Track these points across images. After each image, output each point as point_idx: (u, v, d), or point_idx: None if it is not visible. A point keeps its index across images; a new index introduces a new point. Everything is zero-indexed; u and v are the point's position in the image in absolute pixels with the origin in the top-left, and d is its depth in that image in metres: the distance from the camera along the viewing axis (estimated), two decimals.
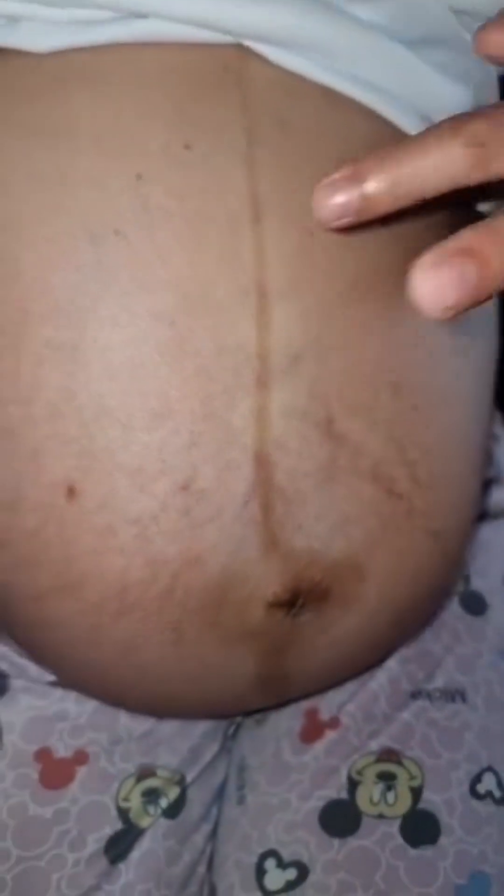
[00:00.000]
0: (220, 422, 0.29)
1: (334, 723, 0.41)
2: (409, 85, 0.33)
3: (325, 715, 0.41)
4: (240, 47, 0.31)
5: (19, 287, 0.29)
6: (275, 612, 0.31)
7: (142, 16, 0.30)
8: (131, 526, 0.29)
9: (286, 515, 0.30)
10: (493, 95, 0.38)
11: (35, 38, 0.31)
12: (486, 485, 0.46)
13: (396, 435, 0.31)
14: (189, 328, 0.28)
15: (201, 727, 0.41)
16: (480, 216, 0.38)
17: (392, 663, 0.41)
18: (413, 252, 0.32)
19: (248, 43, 0.31)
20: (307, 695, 0.40)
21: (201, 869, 0.40)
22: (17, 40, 0.31)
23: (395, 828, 0.37)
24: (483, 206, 0.38)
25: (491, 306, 0.38)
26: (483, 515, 0.46)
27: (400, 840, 0.37)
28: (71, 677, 0.36)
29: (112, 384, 0.28)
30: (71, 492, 0.29)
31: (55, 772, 0.38)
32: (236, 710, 0.40)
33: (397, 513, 0.32)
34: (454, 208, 0.36)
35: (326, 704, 0.41)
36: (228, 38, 0.30)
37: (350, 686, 0.41)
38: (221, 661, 0.32)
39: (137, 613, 0.30)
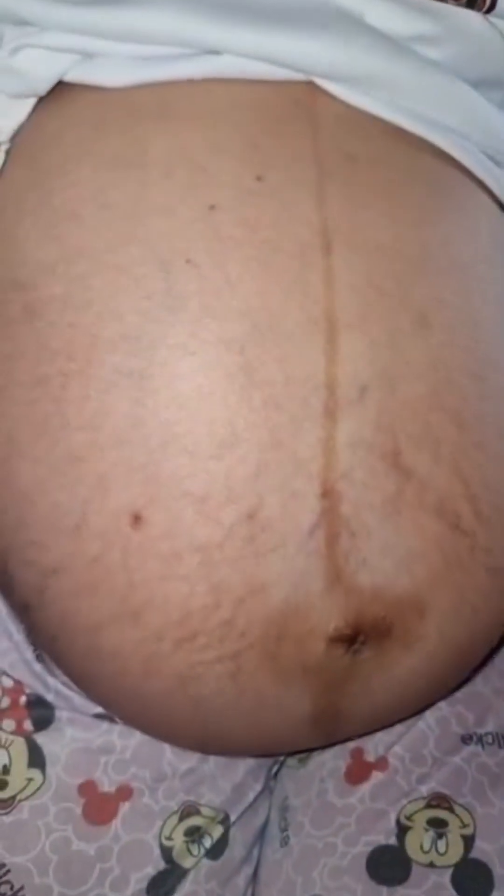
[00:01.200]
0: (287, 451, 0.28)
1: (381, 764, 0.40)
2: (472, 123, 0.34)
3: (371, 755, 0.40)
4: (309, 84, 0.31)
5: (90, 314, 0.29)
6: (335, 647, 0.31)
7: (214, 52, 0.31)
8: (196, 553, 0.29)
9: (351, 548, 0.29)
10: None
11: (109, 74, 0.31)
12: None
13: (462, 469, 0.31)
14: (258, 357, 0.28)
15: (245, 765, 0.40)
16: None
17: (441, 704, 0.40)
18: (478, 283, 0.32)
19: (317, 80, 0.31)
20: (356, 736, 0.39)
21: None
22: (91, 75, 0.32)
23: (446, 878, 0.36)
24: None
25: None
26: None
27: (452, 891, 0.36)
28: (121, 710, 0.35)
29: (180, 412, 0.28)
30: (136, 519, 0.29)
31: (99, 806, 0.37)
32: (284, 750, 0.40)
33: (460, 549, 0.31)
34: None
35: (372, 744, 0.40)
36: (299, 76, 0.31)
37: (397, 726, 0.40)
38: (278, 697, 0.32)
39: (198, 642, 0.30)
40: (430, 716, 0.40)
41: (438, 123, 0.33)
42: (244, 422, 0.28)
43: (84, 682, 0.35)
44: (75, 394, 0.29)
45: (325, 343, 0.29)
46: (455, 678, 0.37)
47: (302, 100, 0.31)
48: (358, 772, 0.40)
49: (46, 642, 0.34)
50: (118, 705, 0.35)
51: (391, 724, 0.39)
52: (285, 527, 0.29)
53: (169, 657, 0.30)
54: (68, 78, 0.32)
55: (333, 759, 0.41)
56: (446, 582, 0.31)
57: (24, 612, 0.34)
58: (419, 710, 0.39)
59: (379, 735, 0.40)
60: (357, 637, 0.31)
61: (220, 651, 0.30)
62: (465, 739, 0.40)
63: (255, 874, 0.41)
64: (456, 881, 0.36)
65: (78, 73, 0.32)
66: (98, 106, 0.32)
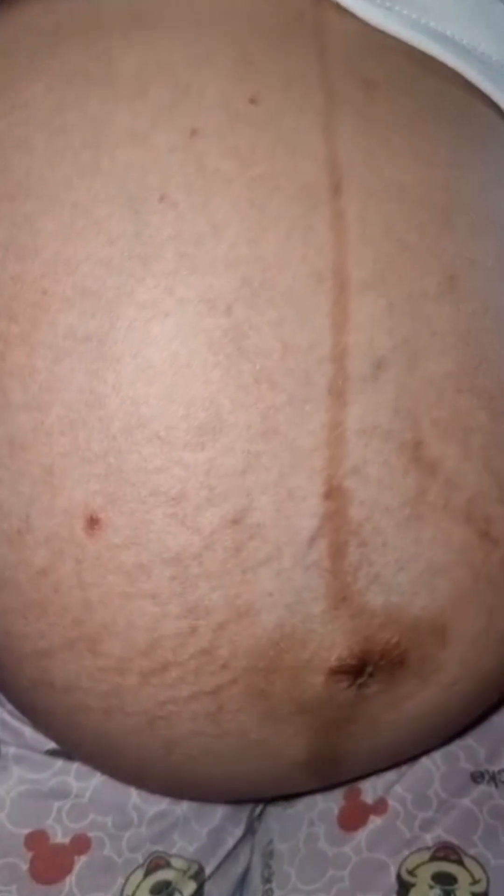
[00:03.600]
0: (284, 440, 0.25)
1: (381, 807, 0.36)
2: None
3: (369, 797, 0.36)
4: None
5: (38, 264, 0.25)
6: (337, 681, 0.27)
7: None
8: (167, 566, 0.25)
9: (361, 561, 0.26)
10: None
11: None
12: None
13: (494, 466, 0.27)
14: (248, 321, 0.24)
15: (223, 807, 0.37)
16: None
17: None
18: None
19: None
20: (356, 778, 0.36)
21: None
22: None
23: None
24: None
25: None
26: None
27: None
28: (80, 748, 0.31)
29: (149, 388, 0.24)
30: (93, 522, 0.25)
31: (50, 862, 0.33)
32: (271, 794, 0.36)
33: (490, 562, 0.28)
34: None
35: (371, 784, 0.37)
36: None
37: None
38: (266, 740, 0.28)
39: (170, 675, 0.26)
40: (435, 751, 0.37)
41: (472, 51, 0.29)
42: (230, 402, 0.24)
43: (35, 715, 0.31)
44: (19, 364, 0.25)
45: (333, 305, 0.25)
46: (475, 712, 0.34)
47: (308, 11, 0.28)
48: (353, 816, 0.36)
49: None
50: (76, 743, 0.31)
51: (398, 765, 0.36)
52: (279, 534, 0.25)
53: (134, 693, 0.26)
54: None
55: (325, 801, 0.37)
56: (473, 601, 0.28)
57: None
58: (430, 749, 0.35)
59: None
60: (364, 668, 0.27)
61: (197, 686, 0.26)
62: (476, 778, 0.36)
63: None
64: None
65: None
66: (57, 14, 0.28)
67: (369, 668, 0.27)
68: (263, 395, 0.24)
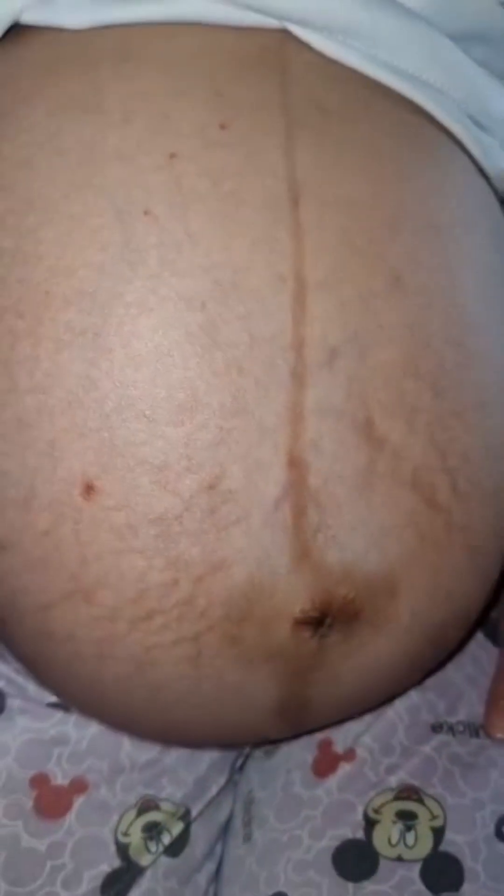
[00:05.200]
0: (252, 418, 0.27)
1: (350, 755, 0.38)
2: (454, 80, 0.32)
3: (339, 747, 0.39)
4: (281, 32, 0.30)
5: (41, 268, 0.27)
6: (301, 630, 0.29)
7: None
8: (153, 525, 0.27)
9: (319, 523, 0.28)
10: None
11: (68, 15, 0.30)
12: None
13: (438, 439, 0.29)
14: (221, 316, 0.27)
15: (208, 758, 0.39)
16: None
17: (411, 691, 0.39)
18: (456, 246, 0.31)
19: (289, 27, 0.30)
20: (324, 727, 0.38)
21: None
22: (48, 16, 0.30)
23: (415, 872, 0.35)
24: None
25: None
26: None
27: (420, 885, 0.34)
28: (76, 697, 0.33)
29: (136, 373, 0.27)
30: (89, 488, 0.27)
31: (51, 800, 0.35)
32: (249, 740, 0.38)
33: (436, 525, 0.30)
34: (494, 208, 0.35)
35: (342, 735, 0.39)
36: (270, 21, 0.29)
37: (367, 716, 0.39)
38: (241, 683, 0.30)
39: (155, 622, 0.28)
40: (399, 704, 0.39)
41: (418, 79, 0.31)
42: (205, 385, 0.27)
43: (37, 668, 0.33)
44: (24, 354, 0.27)
45: (293, 302, 0.27)
46: (428, 663, 0.36)
47: (271, 46, 0.29)
48: (325, 764, 0.38)
49: None
50: (73, 692, 0.33)
51: (361, 713, 0.38)
52: (249, 498, 0.27)
53: (124, 639, 0.29)
54: (24, 19, 0.30)
55: (300, 751, 0.39)
56: (420, 561, 0.30)
57: None
58: (390, 698, 0.37)
59: (347, 725, 0.39)
60: (324, 619, 0.29)
61: (179, 633, 0.28)
62: (436, 728, 0.38)
63: (218, 871, 0.39)
64: (425, 875, 0.35)
65: (34, 15, 0.30)
66: (54, 48, 0.30)
67: (329, 620, 0.29)
68: (234, 379, 0.26)
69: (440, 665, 0.38)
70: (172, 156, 0.27)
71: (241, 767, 0.42)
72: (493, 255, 0.33)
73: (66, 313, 0.27)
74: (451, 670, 0.40)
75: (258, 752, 0.41)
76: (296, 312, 0.27)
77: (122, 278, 0.27)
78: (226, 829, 0.40)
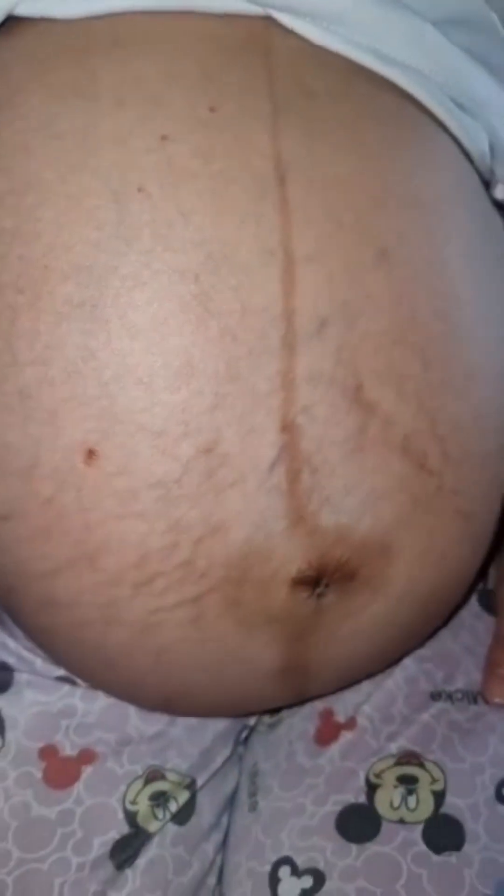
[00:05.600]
0: (246, 384, 0.28)
1: (350, 724, 0.39)
2: (436, 64, 0.33)
3: (340, 716, 0.40)
4: (265, 18, 0.31)
5: (40, 245, 0.28)
6: (298, 591, 0.30)
7: None
8: (153, 489, 0.28)
9: (313, 486, 0.29)
10: None
11: (61, 5, 0.31)
12: None
13: (427, 407, 0.30)
14: (213, 287, 0.28)
15: (213, 730, 0.40)
16: (497, 204, 0.38)
17: (409, 662, 0.40)
18: (440, 221, 0.32)
19: (274, 14, 0.31)
20: (327, 693, 0.39)
21: (211, 880, 0.39)
22: (42, 8, 0.31)
23: (416, 833, 0.36)
24: (499, 193, 0.39)
25: None
26: None
27: (422, 847, 0.35)
28: (82, 665, 0.34)
29: (133, 343, 0.28)
30: (90, 454, 0.28)
31: (60, 771, 0.36)
32: (253, 708, 0.39)
33: (427, 490, 0.31)
34: (477, 187, 0.36)
35: (342, 705, 0.40)
36: (256, 9, 0.31)
37: (366, 686, 0.40)
38: (242, 646, 0.31)
39: (157, 585, 0.29)
40: (398, 674, 0.40)
41: (401, 63, 0.32)
42: (200, 352, 0.28)
43: (43, 637, 0.34)
44: (25, 328, 0.28)
45: (282, 274, 0.28)
46: (423, 627, 0.37)
47: (258, 32, 0.31)
48: (327, 733, 0.39)
49: (3, 595, 0.33)
50: (78, 660, 0.34)
51: (360, 679, 0.39)
52: (244, 462, 0.28)
53: (128, 603, 0.29)
54: (19, 11, 0.31)
55: (303, 722, 0.40)
56: (413, 524, 0.31)
57: None
58: (388, 663, 0.38)
59: (348, 695, 0.40)
60: (321, 580, 0.30)
61: (181, 595, 0.29)
62: (435, 696, 0.39)
63: (225, 841, 0.40)
64: (427, 836, 0.36)
65: (28, 7, 0.31)
66: (48, 37, 0.31)
67: (325, 580, 0.30)
68: (227, 347, 0.27)
69: (436, 630, 0.39)
70: (164, 137, 0.28)
71: (246, 740, 0.43)
72: (477, 231, 0.34)
73: (64, 287, 0.28)
74: (448, 640, 0.41)
75: (262, 726, 0.42)
76: (285, 284, 0.28)
77: (118, 253, 0.28)
78: (232, 800, 0.41)
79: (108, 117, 0.29)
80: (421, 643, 0.39)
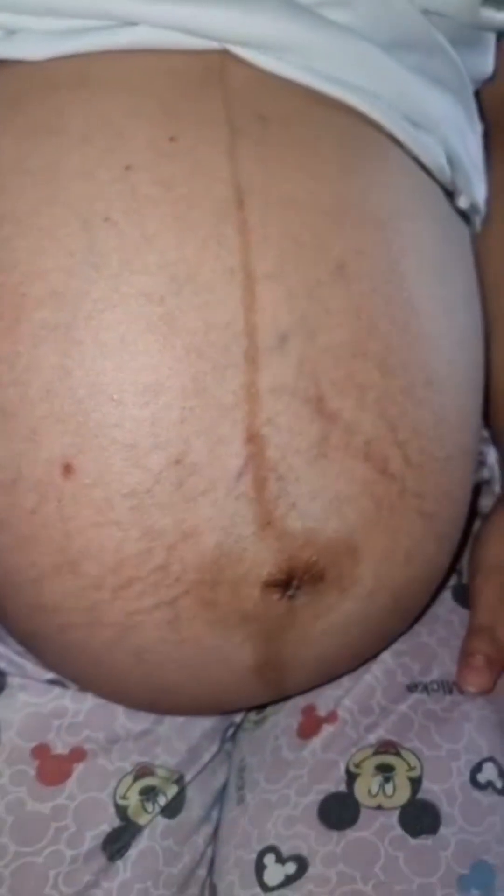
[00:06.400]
0: (211, 398, 0.29)
1: (331, 717, 0.41)
2: (386, 85, 0.35)
3: (322, 710, 0.41)
4: (223, 52, 0.33)
5: (17, 273, 0.30)
6: (270, 593, 0.32)
7: (131, 23, 0.32)
8: (127, 499, 0.29)
9: (280, 492, 0.30)
10: (469, 99, 0.40)
11: (30, 48, 0.32)
12: (477, 488, 0.47)
13: (388, 414, 0.32)
14: (178, 307, 0.29)
15: (200, 728, 0.41)
16: (462, 213, 0.40)
17: (386, 656, 0.41)
18: (397, 235, 0.33)
19: (229, 47, 0.32)
20: (306, 690, 0.40)
21: (202, 871, 0.40)
22: (12, 51, 0.33)
23: (394, 819, 0.37)
24: (462, 203, 0.40)
25: (477, 291, 0.39)
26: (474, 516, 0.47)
27: (399, 831, 0.37)
28: (69, 667, 0.36)
29: (105, 362, 0.29)
30: (67, 468, 0.29)
31: (52, 768, 0.37)
32: (234, 705, 0.40)
33: (390, 493, 0.32)
34: (437, 199, 0.37)
35: (323, 700, 0.41)
36: (212, 44, 0.32)
37: (346, 681, 0.41)
38: (218, 646, 0.32)
39: (135, 589, 0.30)
40: (376, 668, 0.41)
41: (352, 85, 0.34)
42: (168, 369, 0.29)
43: (32, 643, 0.36)
44: (6, 350, 0.30)
45: (243, 292, 0.30)
46: (396, 624, 0.38)
47: (214, 65, 0.32)
48: (309, 727, 0.41)
49: None
50: (65, 662, 0.35)
51: (339, 675, 0.40)
52: (213, 471, 0.29)
53: (108, 606, 0.31)
54: None
55: (286, 718, 0.42)
56: (378, 526, 0.32)
57: None
58: (364, 660, 0.40)
59: (329, 690, 0.41)
60: (291, 582, 0.32)
61: (157, 598, 0.31)
62: (411, 688, 0.41)
63: (216, 834, 0.41)
64: (403, 820, 0.37)
65: (0, 50, 0.33)
66: (18, 79, 0.32)
67: (296, 582, 0.32)
68: (193, 363, 0.29)
69: (408, 627, 0.40)
70: (128, 168, 0.30)
71: (233, 738, 0.44)
72: (437, 243, 0.36)
73: (40, 312, 0.29)
74: (424, 635, 0.42)
75: (248, 723, 0.43)
76: (246, 301, 0.30)
77: (88, 279, 0.29)
78: (221, 795, 0.42)
79: (75, 152, 0.30)
80: (395, 639, 0.40)
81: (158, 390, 0.29)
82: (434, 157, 0.37)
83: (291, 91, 0.33)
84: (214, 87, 0.32)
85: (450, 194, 0.40)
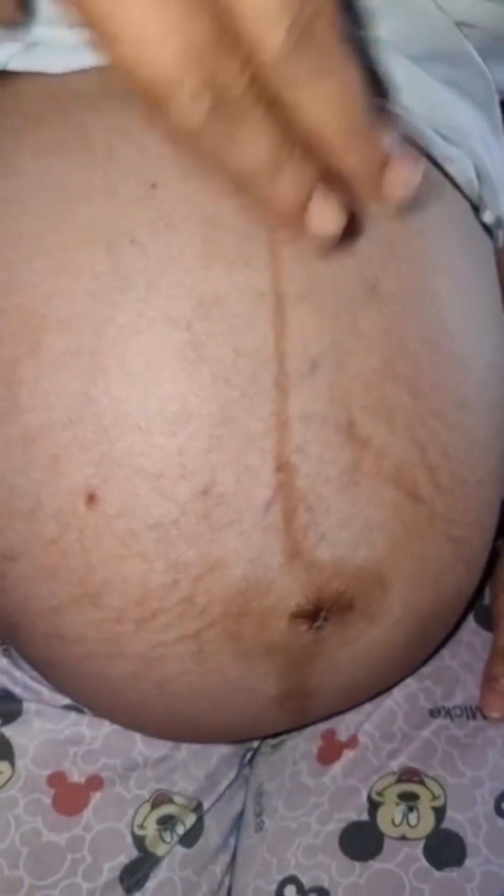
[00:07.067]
0: (239, 426, 0.28)
1: (352, 743, 0.40)
2: (417, 98, 0.34)
3: (342, 735, 0.40)
4: None
5: (37, 295, 0.29)
6: (297, 624, 0.31)
7: None
8: (152, 530, 0.28)
9: (309, 523, 0.29)
10: (496, 112, 0.39)
11: (50, 60, 0.31)
12: None
13: (418, 438, 0.31)
14: (205, 332, 0.28)
15: (217, 753, 0.41)
16: (486, 227, 0.39)
17: (409, 680, 0.41)
18: (428, 253, 0.32)
19: None
20: (327, 716, 0.39)
21: None
22: (32, 63, 0.32)
23: (418, 850, 0.36)
24: (487, 217, 0.39)
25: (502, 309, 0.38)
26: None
27: (424, 862, 0.36)
28: (87, 696, 0.35)
29: (130, 389, 0.28)
30: (91, 498, 0.28)
31: (69, 797, 0.37)
32: (255, 734, 0.40)
33: (420, 518, 0.31)
34: (465, 214, 0.36)
35: (344, 725, 0.41)
36: None
37: (367, 705, 0.41)
38: (242, 677, 0.32)
39: (159, 621, 0.29)
40: (398, 693, 0.41)
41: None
42: (195, 397, 0.28)
43: (49, 669, 0.35)
44: (26, 375, 0.29)
45: (273, 315, 0.29)
46: (422, 651, 0.37)
47: None
48: (329, 752, 0.40)
49: (8, 630, 0.34)
50: (84, 692, 0.34)
51: (361, 702, 0.39)
52: (240, 502, 0.29)
53: (130, 638, 0.30)
54: (11, 66, 0.32)
55: (305, 743, 0.41)
56: (407, 552, 0.32)
57: None
58: (387, 687, 0.39)
59: (349, 715, 0.40)
60: (319, 613, 0.31)
61: (181, 630, 0.30)
62: (434, 713, 0.40)
63: (232, 861, 0.41)
64: (428, 852, 0.36)
65: (21, 61, 0.32)
66: (37, 93, 0.31)
67: (323, 613, 0.31)
68: (220, 391, 0.28)
69: (433, 653, 0.40)
70: (154, 185, 0.29)
71: (251, 762, 0.43)
72: (465, 259, 0.35)
73: (62, 336, 0.28)
74: (446, 658, 0.42)
75: (265, 747, 0.43)
76: (276, 326, 0.29)
77: (113, 303, 0.28)
78: (238, 822, 0.42)
79: (98, 169, 0.29)
80: (420, 665, 0.39)
81: (186, 419, 0.28)
82: (463, 170, 0.36)
83: None
84: None
85: (474, 208, 0.39)
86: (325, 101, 0.20)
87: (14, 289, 0.29)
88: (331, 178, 0.22)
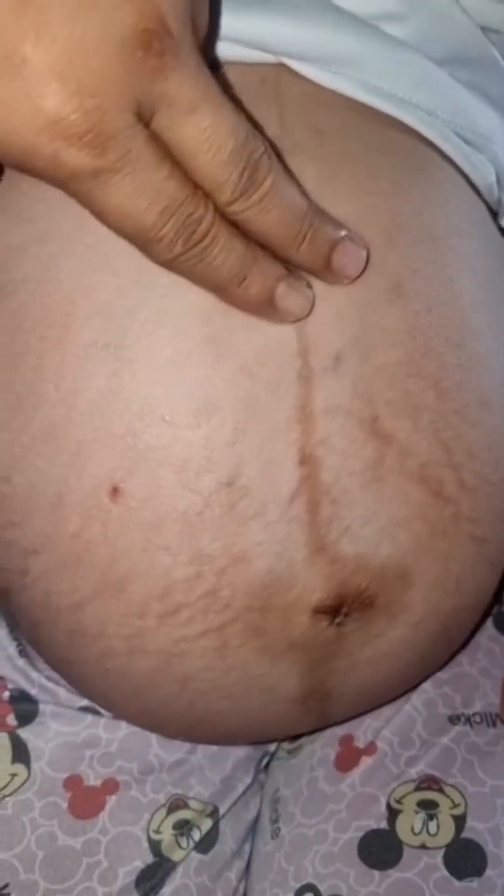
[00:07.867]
0: (264, 419, 0.28)
1: (370, 749, 0.39)
2: (440, 101, 0.34)
3: (360, 741, 0.40)
4: (279, 66, 0.32)
5: (62, 292, 0.29)
6: (319, 619, 0.31)
7: None
8: (176, 522, 0.28)
9: (333, 516, 0.29)
10: None
11: None
12: None
13: (443, 436, 0.31)
14: (227, 327, 0.28)
15: (233, 758, 0.40)
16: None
17: (427, 686, 0.41)
18: (451, 254, 0.33)
19: (285, 60, 0.32)
20: (347, 718, 0.39)
21: None
22: None
23: (438, 859, 0.36)
24: None
25: None
26: None
27: (444, 872, 0.35)
28: (107, 695, 0.35)
29: (155, 382, 0.28)
30: (115, 490, 0.28)
31: (85, 800, 0.36)
32: (275, 734, 0.39)
33: (444, 517, 0.31)
34: (485, 218, 0.37)
35: (362, 730, 0.40)
36: (268, 57, 0.32)
37: (385, 711, 0.40)
38: (265, 674, 0.31)
39: (182, 615, 0.29)
40: (416, 699, 0.40)
41: (407, 102, 0.33)
42: (218, 390, 0.28)
43: (68, 669, 0.35)
44: (51, 369, 0.29)
45: None
46: (442, 652, 0.37)
47: (269, 78, 0.31)
48: (347, 758, 0.40)
49: (28, 628, 0.34)
50: (103, 690, 0.34)
51: (381, 704, 0.39)
52: (265, 494, 0.29)
53: (153, 633, 0.30)
54: None
55: (323, 748, 0.41)
56: (430, 550, 0.31)
57: (4, 598, 0.33)
58: (407, 689, 0.39)
59: (367, 721, 0.40)
60: (340, 608, 0.31)
61: (205, 625, 0.30)
62: (453, 720, 0.40)
63: (247, 868, 0.40)
64: (448, 861, 0.36)
65: None
66: None
67: (345, 609, 0.31)
68: (244, 383, 0.28)
69: (452, 656, 0.39)
70: None
71: (267, 767, 0.43)
72: (488, 262, 0.35)
73: (87, 331, 0.29)
74: (465, 664, 0.41)
75: (282, 752, 0.42)
76: (298, 321, 0.29)
77: (137, 297, 0.28)
78: (254, 827, 0.41)
79: None
80: (440, 667, 0.39)
81: (210, 411, 0.28)
82: (484, 175, 0.37)
83: (346, 106, 0.32)
84: (269, 100, 0.31)
85: (493, 213, 0.39)
86: (269, 223, 0.27)
87: (41, 286, 0.29)
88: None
